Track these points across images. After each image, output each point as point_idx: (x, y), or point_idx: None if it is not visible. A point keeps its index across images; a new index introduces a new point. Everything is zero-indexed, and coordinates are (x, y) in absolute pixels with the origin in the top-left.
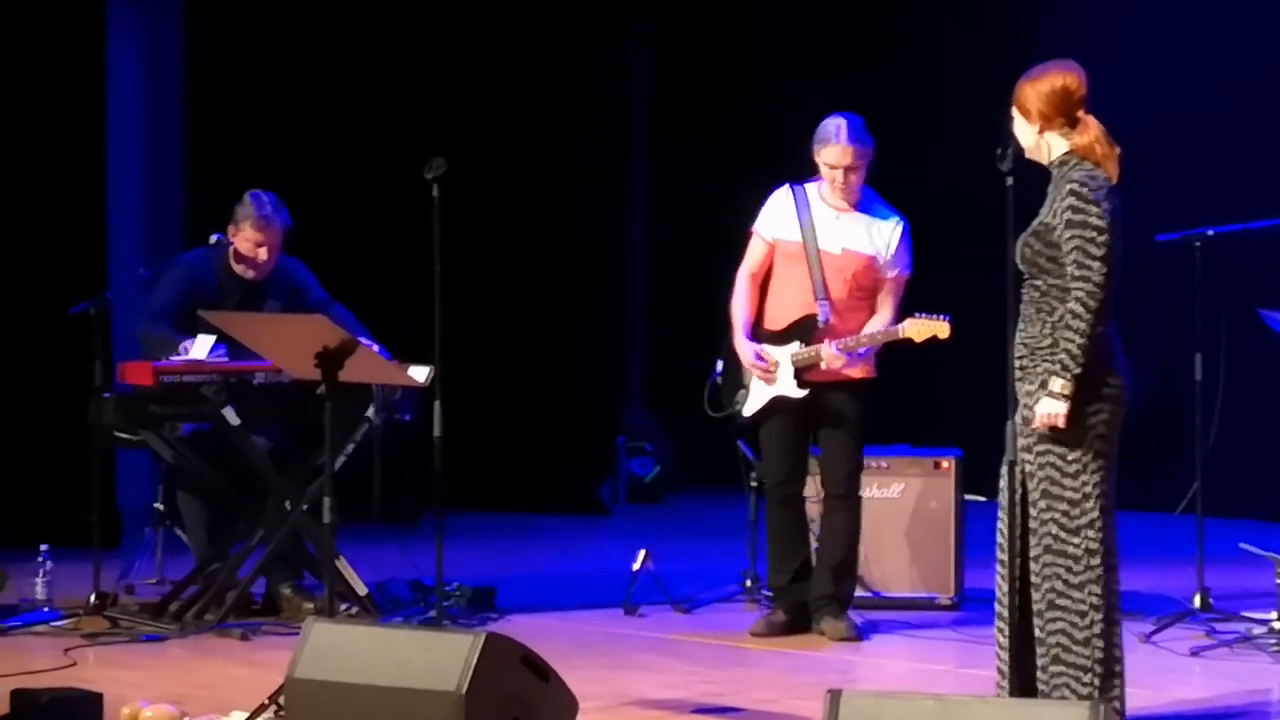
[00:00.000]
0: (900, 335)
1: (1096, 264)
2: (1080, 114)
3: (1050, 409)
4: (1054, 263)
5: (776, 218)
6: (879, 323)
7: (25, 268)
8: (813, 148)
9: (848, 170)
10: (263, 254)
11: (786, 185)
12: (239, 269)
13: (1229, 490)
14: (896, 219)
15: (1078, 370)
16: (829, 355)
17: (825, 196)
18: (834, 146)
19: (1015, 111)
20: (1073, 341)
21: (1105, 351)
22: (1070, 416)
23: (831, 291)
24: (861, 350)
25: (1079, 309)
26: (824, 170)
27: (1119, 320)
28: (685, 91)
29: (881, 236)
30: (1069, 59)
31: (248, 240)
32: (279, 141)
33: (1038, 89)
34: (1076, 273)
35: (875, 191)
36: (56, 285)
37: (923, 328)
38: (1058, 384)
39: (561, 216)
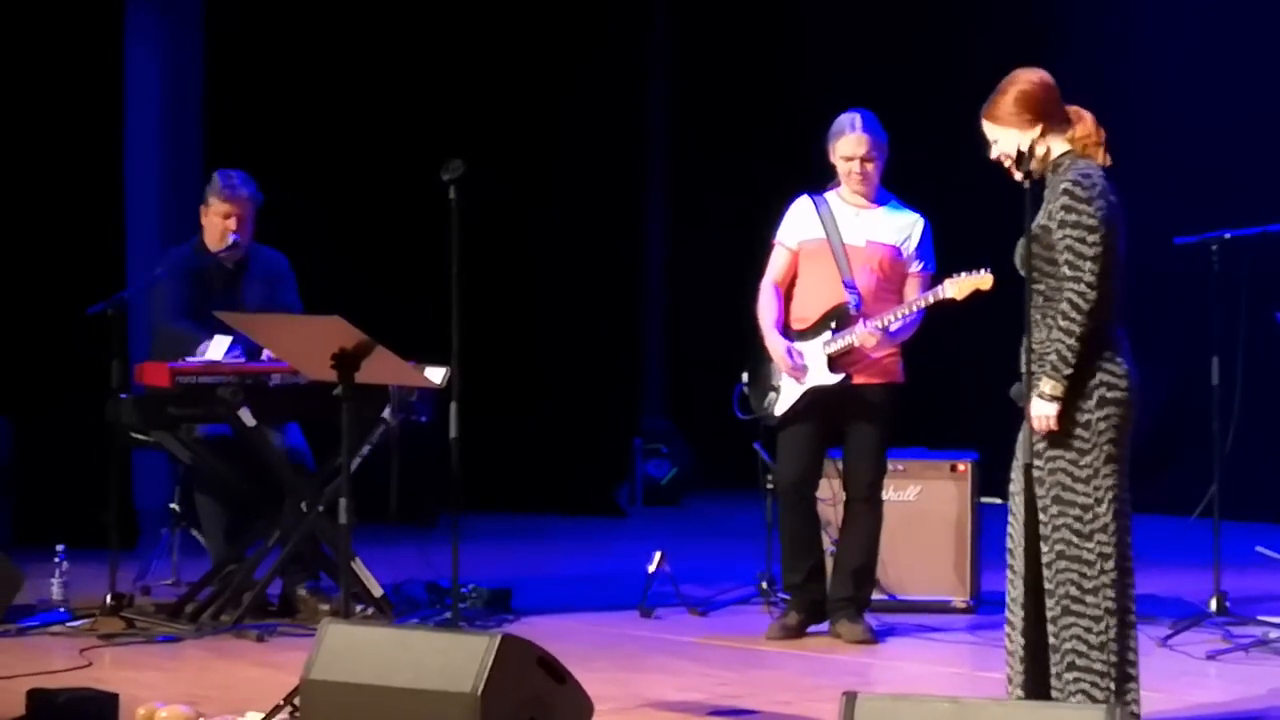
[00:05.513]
0: (943, 296)
1: (1088, 264)
2: (1065, 106)
3: (1040, 411)
4: (1052, 264)
5: (798, 223)
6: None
7: (43, 268)
8: (828, 145)
9: (864, 160)
10: (231, 224)
11: (805, 194)
12: (221, 255)
13: (1246, 494)
14: (917, 215)
15: (1068, 372)
16: (863, 334)
17: (844, 196)
18: (850, 137)
19: (1002, 130)
20: (1063, 343)
21: (1112, 353)
22: (1072, 418)
23: (859, 282)
24: (896, 328)
25: (1069, 310)
26: (840, 165)
27: (1128, 321)
28: (706, 94)
29: (903, 230)
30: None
31: (216, 214)
32: (297, 143)
33: (1021, 92)
34: (1069, 273)
35: (893, 194)
36: (74, 286)
37: (964, 284)
38: (1048, 385)
39: (580, 218)
